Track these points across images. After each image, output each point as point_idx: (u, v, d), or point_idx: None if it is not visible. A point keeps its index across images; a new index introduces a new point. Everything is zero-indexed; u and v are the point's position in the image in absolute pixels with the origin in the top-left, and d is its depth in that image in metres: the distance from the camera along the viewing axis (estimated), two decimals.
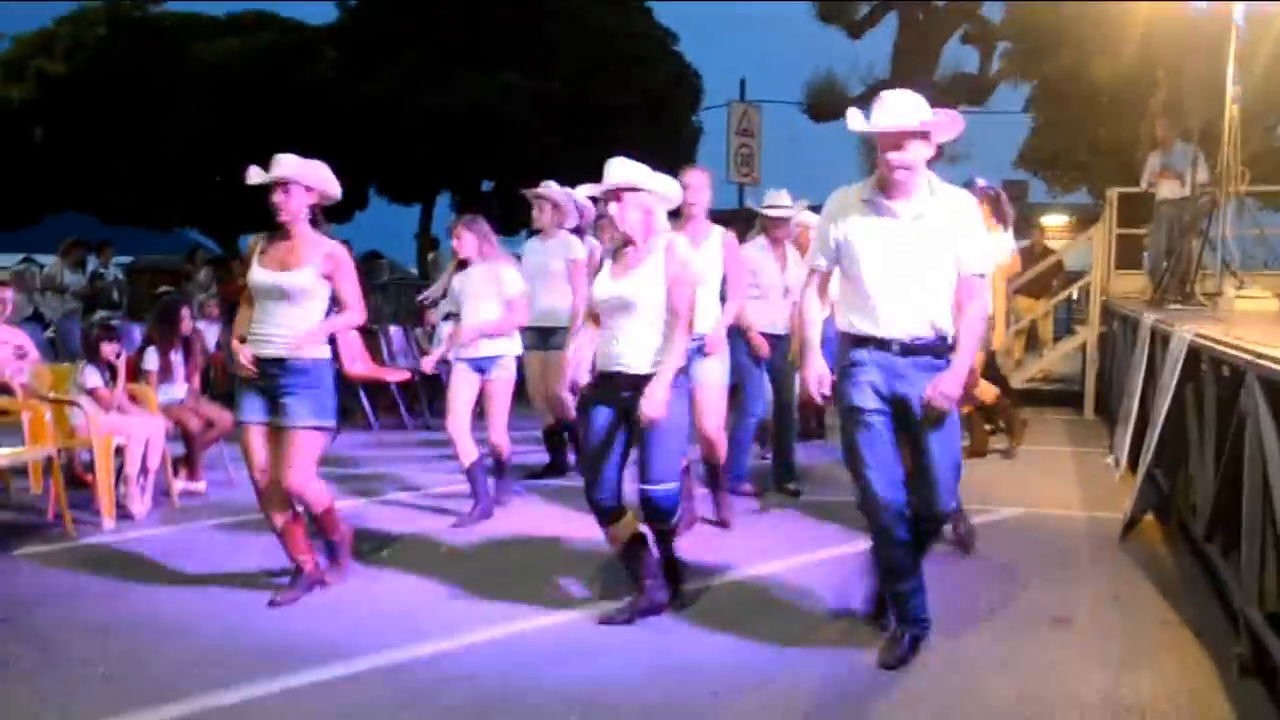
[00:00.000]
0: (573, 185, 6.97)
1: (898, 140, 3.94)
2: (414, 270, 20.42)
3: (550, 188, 7.48)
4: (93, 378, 6.88)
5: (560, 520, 6.51)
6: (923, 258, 3.99)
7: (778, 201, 7.06)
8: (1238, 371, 4.48)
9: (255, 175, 4.92)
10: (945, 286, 4.04)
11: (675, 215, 6.81)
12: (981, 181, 7.00)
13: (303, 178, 4.90)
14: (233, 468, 7.64)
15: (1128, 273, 12.48)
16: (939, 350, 4.05)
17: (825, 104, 20.19)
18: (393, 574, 5.48)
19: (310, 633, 4.60)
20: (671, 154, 16.13)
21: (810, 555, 5.77)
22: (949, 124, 4.05)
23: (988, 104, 19.49)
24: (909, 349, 4.03)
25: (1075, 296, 13.67)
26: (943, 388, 3.96)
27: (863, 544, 5.84)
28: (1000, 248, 7.99)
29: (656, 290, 4.53)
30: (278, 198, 4.89)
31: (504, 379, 6.61)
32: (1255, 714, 3.74)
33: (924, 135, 3.98)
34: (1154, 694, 3.92)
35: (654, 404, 4.41)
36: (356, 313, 4.99)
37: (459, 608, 4.92)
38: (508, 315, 6.46)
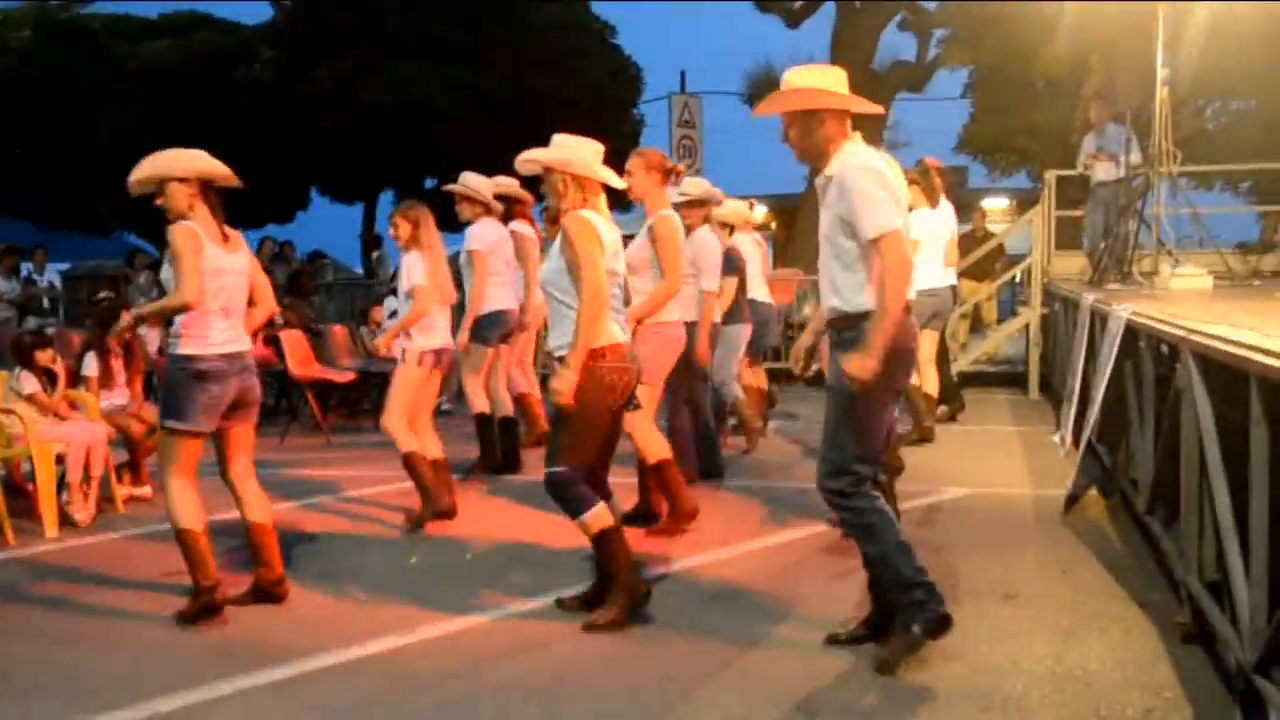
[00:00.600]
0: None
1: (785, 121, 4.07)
2: (359, 270, 20.25)
3: (467, 180, 7.50)
4: (29, 383, 6.75)
5: (506, 515, 6.50)
6: (825, 230, 4.01)
7: (689, 190, 7.11)
8: (1173, 348, 4.57)
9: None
10: (852, 258, 3.90)
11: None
12: (930, 159, 7.09)
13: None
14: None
15: (1067, 254, 12.67)
16: (854, 324, 3.92)
17: (765, 94, 20.29)
18: (343, 573, 5.44)
19: (262, 634, 4.56)
20: (613, 147, 16.12)
21: (754, 542, 5.81)
22: (801, 98, 4.02)
23: (926, 90, 19.68)
24: (831, 324, 4.06)
25: (1018, 279, 13.85)
26: (849, 366, 3.83)
27: (799, 529, 5.94)
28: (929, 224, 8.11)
29: (555, 270, 4.53)
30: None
31: (401, 369, 6.37)
32: (1197, 678, 3.83)
33: (801, 113, 4.00)
34: (1100, 663, 4.00)
35: (556, 390, 4.39)
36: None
37: (414, 604, 4.89)
38: (411, 307, 6.36)
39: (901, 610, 3.97)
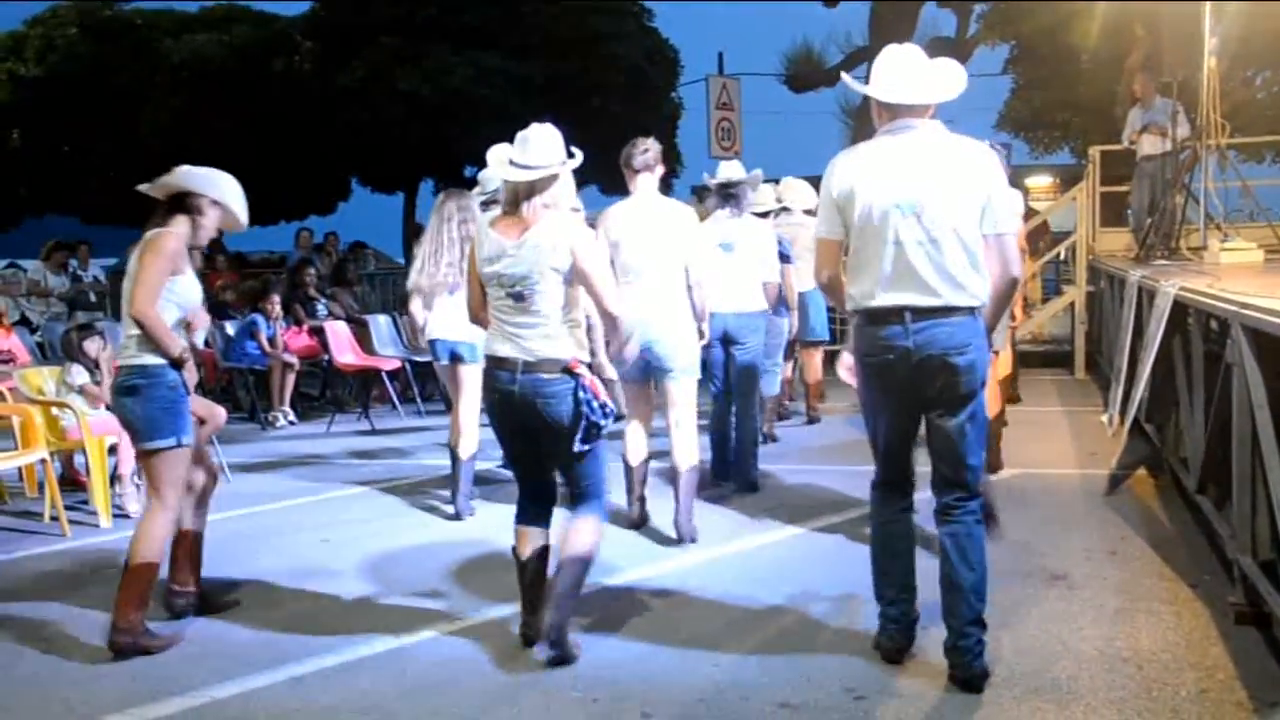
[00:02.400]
0: None
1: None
2: (401, 260, 20.38)
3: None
4: (80, 375, 6.86)
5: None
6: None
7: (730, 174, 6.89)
8: (1224, 323, 4.50)
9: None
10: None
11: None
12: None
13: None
14: (226, 464, 7.66)
15: (1113, 230, 12.50)
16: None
17: (804, 74, 20.14)
18: (391, 561, 5.50)
19: (313, 622, 4.62)
20: (652, 130, 16.09)
21: (791, 529, 5.80)
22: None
23: (966, 67, 19.38)
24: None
25: (1062, 256, 13.68)
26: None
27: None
28: None
29: None
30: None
31: (467, 367, 6.23)
32: (1251, 660, 3.78)
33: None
34: (1151, 645, 3.96)
35: None
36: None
37: (462, 591, 4.94)
38: None
39: None
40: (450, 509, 6.38)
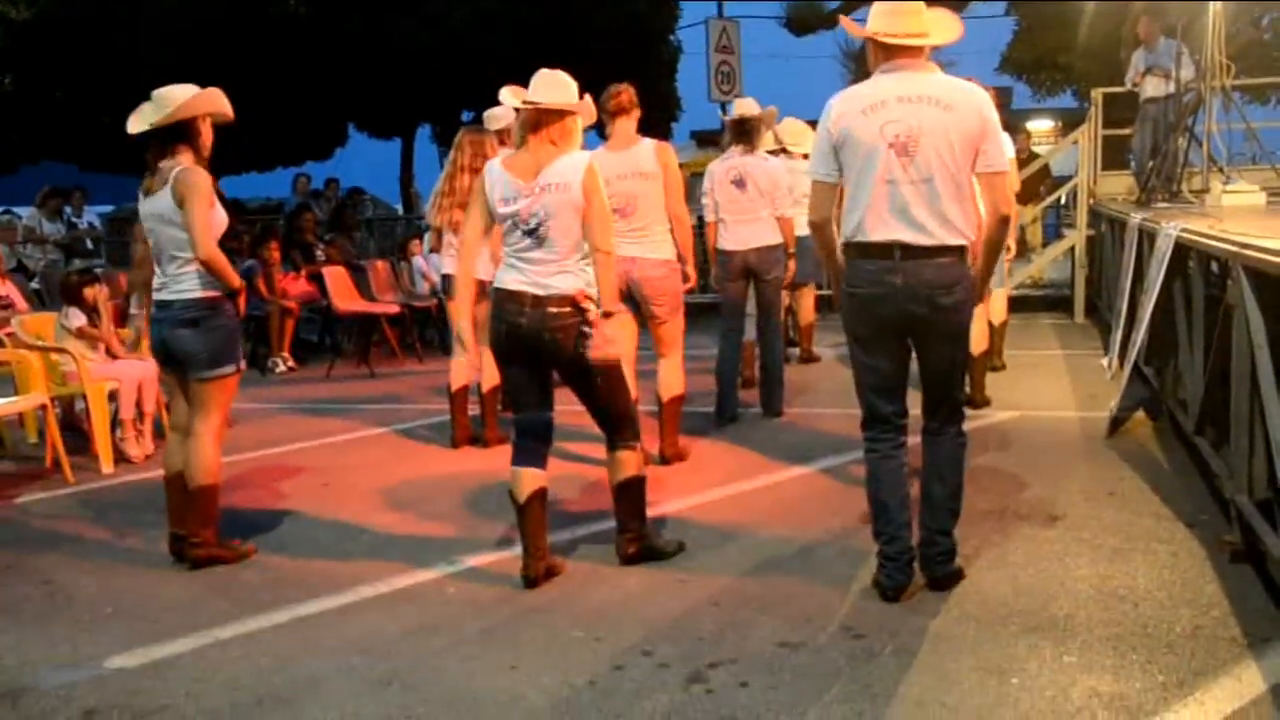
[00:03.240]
0: None
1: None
2: (398, 206, 20.29)
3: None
4: (76, 318, 6.86)
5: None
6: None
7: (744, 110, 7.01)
8: (1224, 265, 4.48)
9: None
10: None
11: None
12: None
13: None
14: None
15: (1114, 174, 12.41)
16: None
17: (805, 18, 19.94)
18: (389, 505, 5.53)
19: (314, 565, 4.67)
20: (652, 74, 15.96)
21: (779, 474, 5.83)
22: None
23: (969, 9, 19.21)
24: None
25: (1063, 201, 13.61)
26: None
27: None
28: None
29: None
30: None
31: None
32: (1246, 598, 3.81)
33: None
34: (1147, 583, 3.99)
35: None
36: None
37: (461, 533, 4.98)
38: None
39: None
40: (450, 450, 6.45)
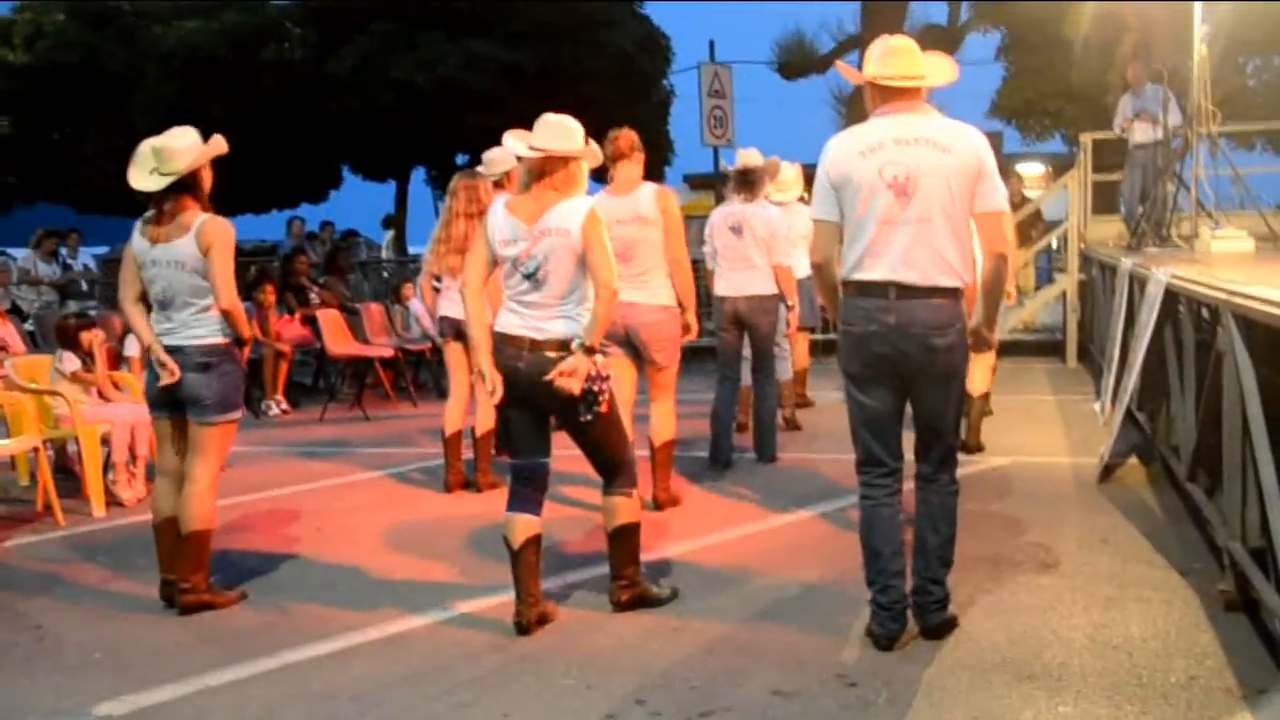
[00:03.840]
0: None
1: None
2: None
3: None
4: (71, 363, 6.85)
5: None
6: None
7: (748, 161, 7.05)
8: (1214, 311, 4.51)
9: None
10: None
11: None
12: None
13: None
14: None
15: (1105, 218, 12.50)
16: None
17: (796, 62, 20.12)
18: (382, 548, 5.50)
19: (305, 611, 4.63)
20: (644, 118, 16.04)
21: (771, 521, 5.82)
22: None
23: (958, 54, 19.42)
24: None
25: (1054, 245, 13.69)
26: None
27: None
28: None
29: None
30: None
31: None
32: (1240, 647, 3.80)
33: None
34: (1141, 632, 3.98)
35: None
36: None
37: (451, 578, 4.95)
38: None
39: None
40: (444, 495, 6.44)
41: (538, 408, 4.25)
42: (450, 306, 6.51)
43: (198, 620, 4.57)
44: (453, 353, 6.57)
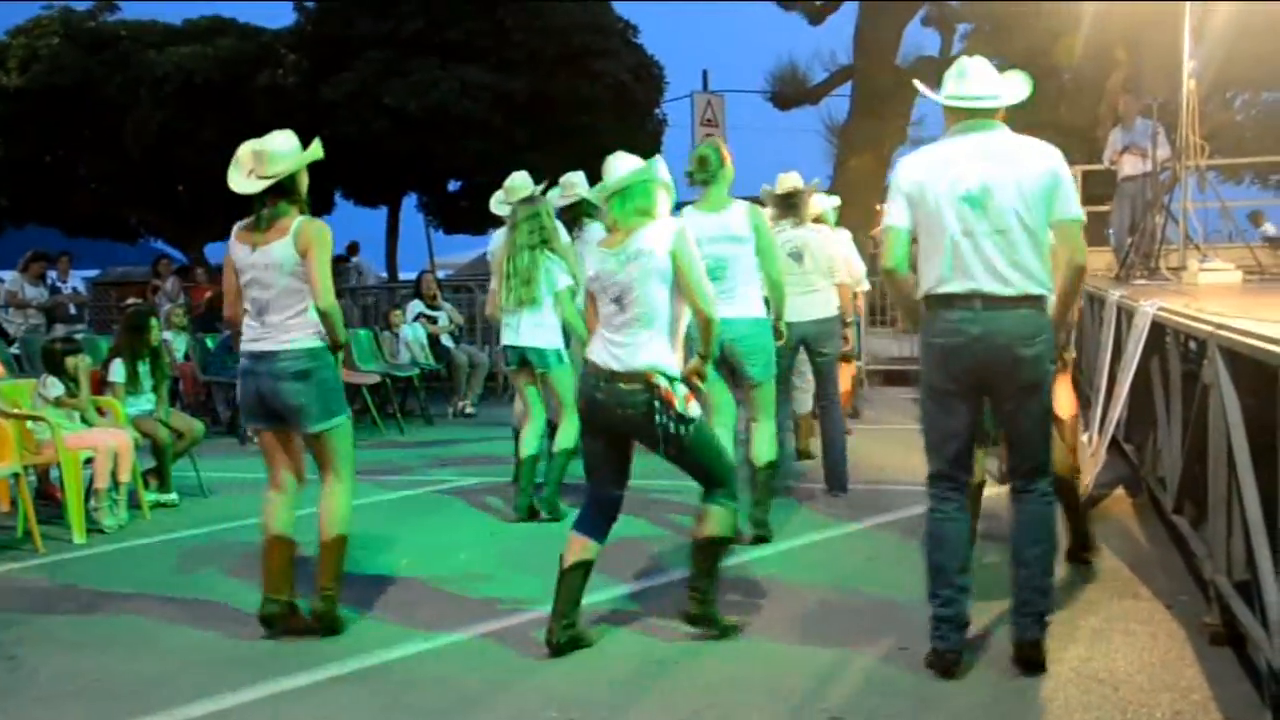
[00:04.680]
0: (539, 180, 6.93)
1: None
2: (384, 274, 20.36)
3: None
4: (54, 388, 6.81)
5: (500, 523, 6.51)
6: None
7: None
8: (1201, 343, 4.51)
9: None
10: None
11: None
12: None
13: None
14: (205, 479, 7.62)
15: (1094, 250, 12.50)
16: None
17: (789, 92, 20.21)
18: (371, 578, 5.46)
19: (288, 640, 4.57)
20: (637, 147, 16.07)
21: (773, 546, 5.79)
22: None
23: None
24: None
25: None
26: None
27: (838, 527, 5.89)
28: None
29: None
30: None
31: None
32: (1226, 681, 3.77)
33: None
34: (1127, 666, 3.96)
35: None
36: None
37: (441, 609, 4.90)
38: None
39: None
40: (429, 522, 6.42)
41: (616, 437, 4.29)
42: (511, 335, 6.56)
43: (180, 650, 4.52)
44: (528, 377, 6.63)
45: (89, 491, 6.63)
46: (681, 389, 4.12)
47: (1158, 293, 6.75)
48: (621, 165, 4.40)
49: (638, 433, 4.19)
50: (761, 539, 5.74)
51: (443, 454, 9.08)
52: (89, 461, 6.64)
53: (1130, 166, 11.22)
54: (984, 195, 3.77)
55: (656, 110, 20.12)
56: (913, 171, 3.93)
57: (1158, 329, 5.61)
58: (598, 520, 4.33)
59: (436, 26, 17.09)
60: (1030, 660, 3.90)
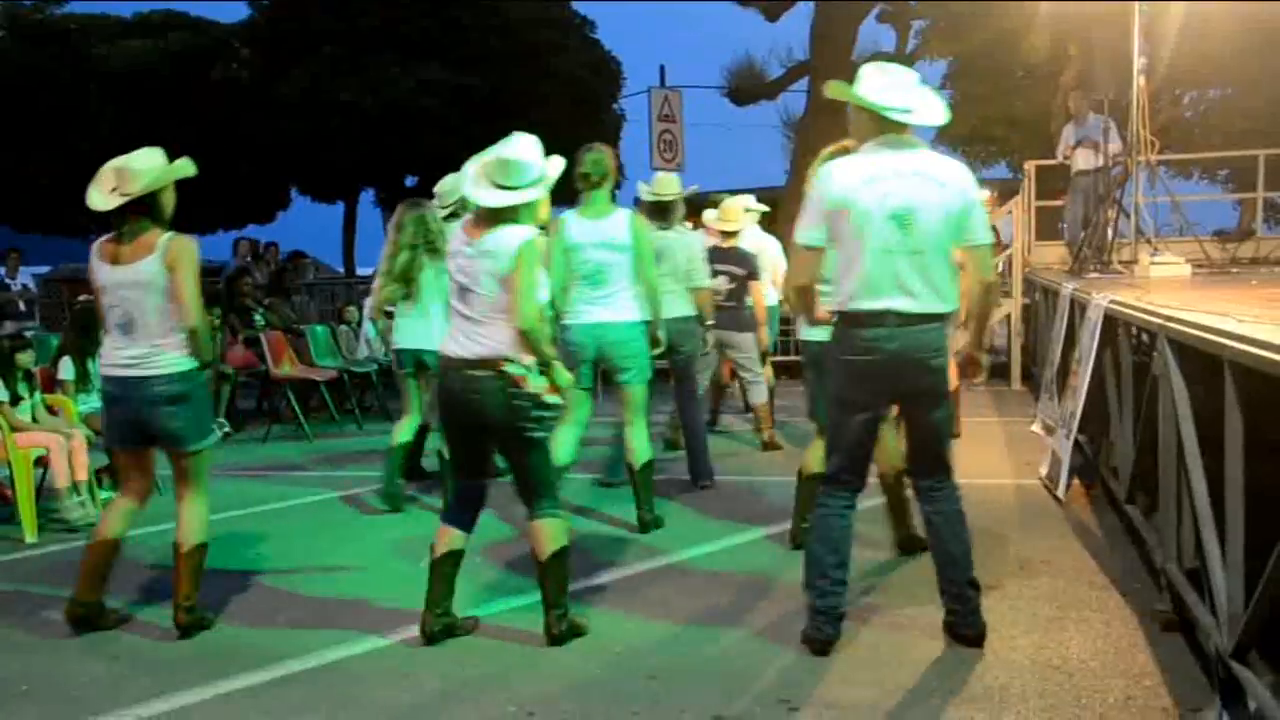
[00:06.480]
0: None
1: None
2: (341, 269, 20.21)
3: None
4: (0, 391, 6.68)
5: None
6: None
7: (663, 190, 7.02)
8: (1151, 336, 4.58)
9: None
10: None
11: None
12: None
13: None
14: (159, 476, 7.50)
15: (1048, 243, 12.70)
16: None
17: (746, 87, 20.24)
18: (323, 575, 5.42)
19: (242, 638, 4.54)
20: (595, 141, 16.06)
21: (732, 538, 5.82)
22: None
23: None
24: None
25: (999, 269, 13.86)
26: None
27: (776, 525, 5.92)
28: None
29: None
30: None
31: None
32: (1177, 666, 3.84)
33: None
34: (1080, 652, 4.01)
35: None
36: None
37: (393, 604, 4.87)
38: None
39: None
40: (390, 517, 6.47)
41: (471, 429, 4.30)
42: (403, 337, 6.59)
43: (130, 650, 4.47)
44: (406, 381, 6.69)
45: (40, 490, 6.52)
46: (540, 380, 4.13)
47: (1110, 286, 6.84)
48: (519, 143, 4.30)
49: (488, 423, 4.15)
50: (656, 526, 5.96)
51: None
52: (40, 461, 6.53)
53: (1083, 161, 11.37)
54: (909, 215, 3.85)
55: (614, 106, 20.11)
56: (841, 187, 3.90)
57: (1110, 322, 5.68)
58: (463, 510, 4.39)
59: (393, 22, 16.96)
60: (978, 642, 4.10)
